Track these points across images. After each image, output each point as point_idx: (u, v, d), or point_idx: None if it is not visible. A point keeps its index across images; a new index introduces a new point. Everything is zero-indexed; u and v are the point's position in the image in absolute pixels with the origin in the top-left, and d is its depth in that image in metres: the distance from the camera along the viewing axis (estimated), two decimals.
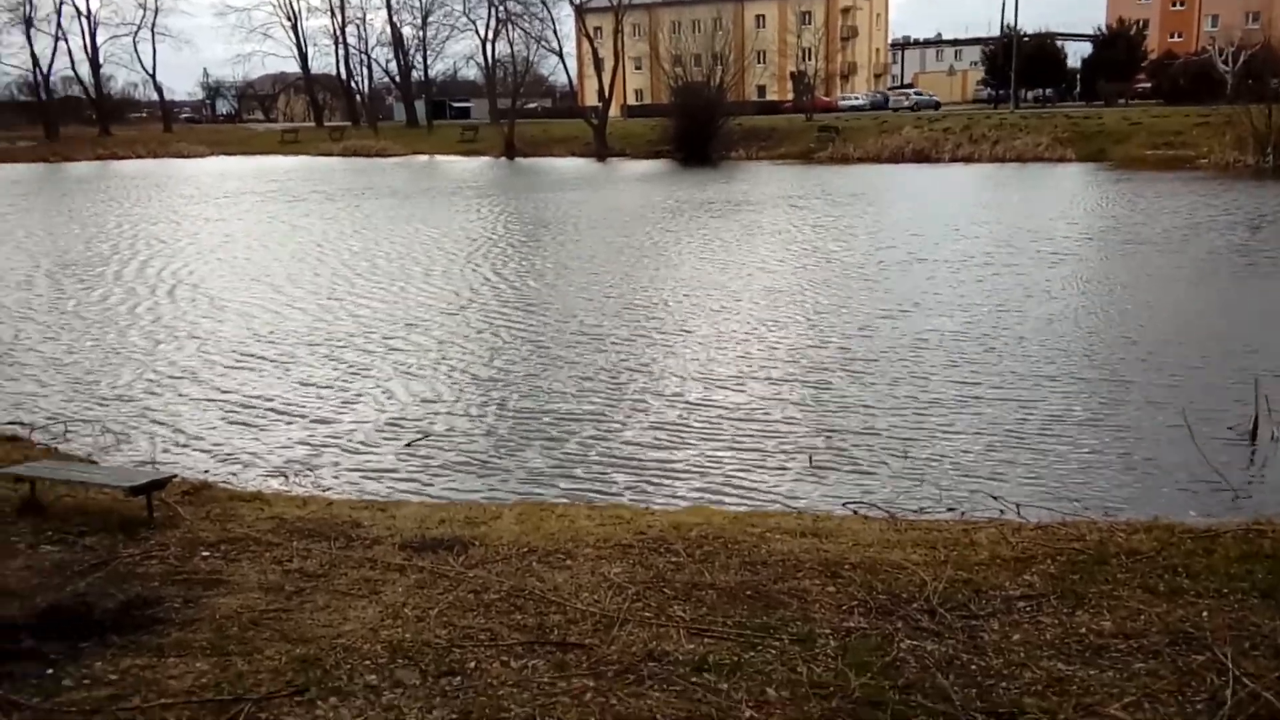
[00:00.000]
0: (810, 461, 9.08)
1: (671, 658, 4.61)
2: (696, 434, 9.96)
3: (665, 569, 5.77)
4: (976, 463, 8.99)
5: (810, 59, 76.52)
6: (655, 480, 8.78)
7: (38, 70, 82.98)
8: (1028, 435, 9.69)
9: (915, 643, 4.74)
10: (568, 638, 4.84)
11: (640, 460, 9.27)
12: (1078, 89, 74.24)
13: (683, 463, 9.18)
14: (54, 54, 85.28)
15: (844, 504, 7.96)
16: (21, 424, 10.41)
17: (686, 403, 10.99)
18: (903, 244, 22.46)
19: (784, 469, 8.98)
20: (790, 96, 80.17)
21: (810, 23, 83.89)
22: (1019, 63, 66.22)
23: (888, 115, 63.34)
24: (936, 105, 73.13)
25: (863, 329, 14.27)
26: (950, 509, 7.83)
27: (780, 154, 54.33)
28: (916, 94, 78.23)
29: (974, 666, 4.50)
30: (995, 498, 8.03)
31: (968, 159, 48.06)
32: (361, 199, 37.48)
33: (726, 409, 10.75)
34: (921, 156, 49.30)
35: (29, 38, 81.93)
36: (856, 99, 77.45)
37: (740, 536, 6.34)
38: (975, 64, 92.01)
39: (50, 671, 4.48)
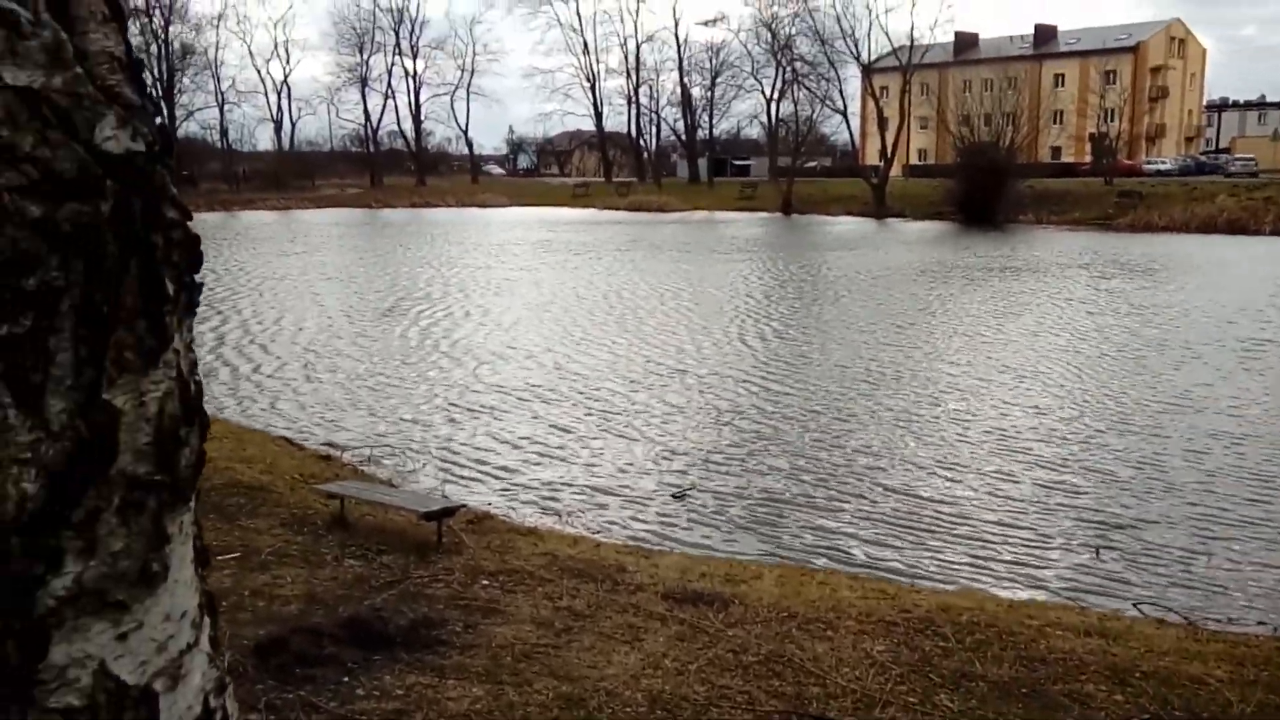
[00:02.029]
0: (1097, 554, 8.42)
1: None
2: (969, 510, 9.50)
3: (932, 653, 5.52)
4: None
5: (1113, 120, 72.16)
6: (921, 556, 8.44)
7: (368, 125, 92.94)
8: None
9: None
10: (827, 712, 4.72)
11: (906, 534, 8.94)
12: None
13: (952, 540, 8.78)
14: (383, 111, 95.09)
15: (1134, 604, 7.31)
16: (334, 445, 11.51)
17: (959, 477, 10.52)
18: (1205, 325, 20.57)
19: (1066, 559, 8.38)
20: (1088, 159, 75.80)
21: (1115, 82, 79.10)
22: None
23: (1200, 181, 58.41)
24: (1254, 173, 66.73)
25: (1159, 414, 13.13)
26: (1261, 623, 7.01)
27: (1073, 219, 51.39)
28: (1239, 160, 71.67)
29: None
30: None
31: None
32: (638, 251, 38.88)
33: (1003, 487, 10.19)
34: (1236, 227, 45.02)
35: (363, 96, 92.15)
36: (1163, 163, 72.01)
37: (1016, 627, 5.97)
38: None
39: (346, 679, 4.88)
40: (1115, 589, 7.72)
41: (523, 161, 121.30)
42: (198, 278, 1.29)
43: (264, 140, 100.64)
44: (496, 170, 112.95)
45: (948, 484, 10.27)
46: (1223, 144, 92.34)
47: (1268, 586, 7.73)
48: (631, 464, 11.00)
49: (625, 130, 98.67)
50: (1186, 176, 64.22)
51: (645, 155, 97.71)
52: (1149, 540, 8.71)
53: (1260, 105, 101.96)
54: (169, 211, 1.24)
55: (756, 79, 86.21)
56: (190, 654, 1.17)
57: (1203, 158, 76.09)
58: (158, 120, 1.27)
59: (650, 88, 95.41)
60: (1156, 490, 10.04)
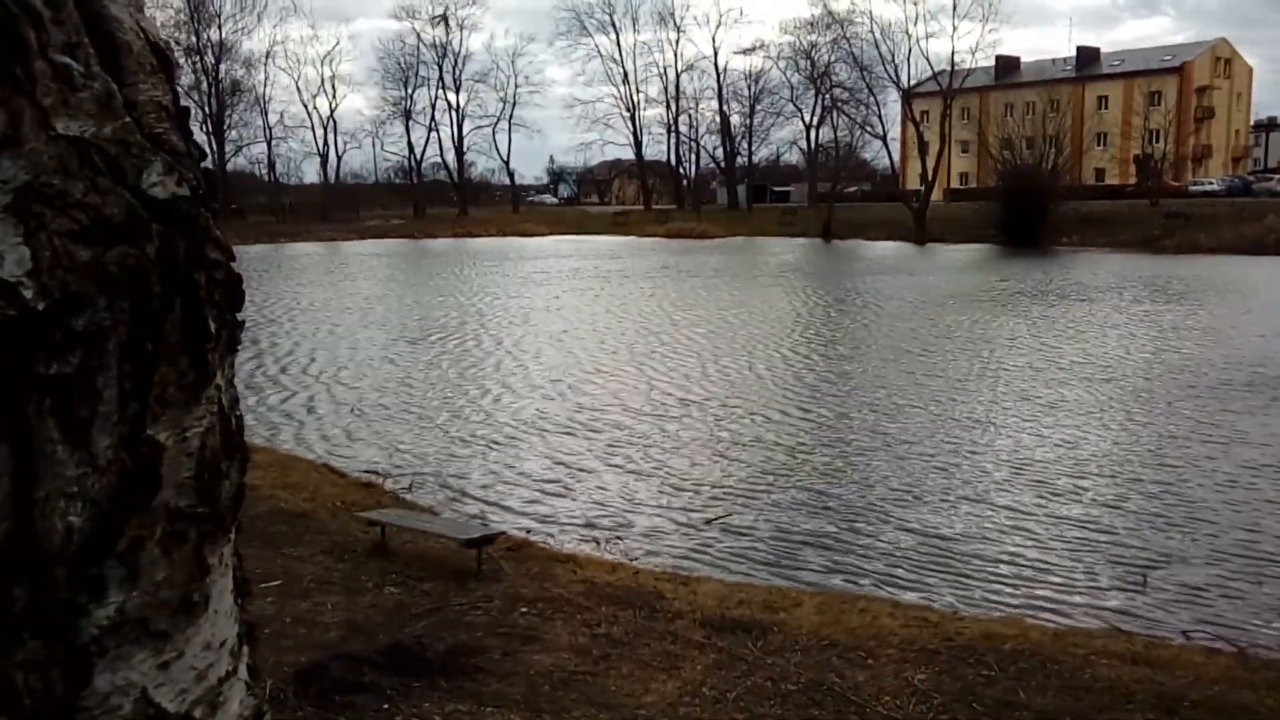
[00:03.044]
0: (1144, 581, 8.27)
1: None
2: (1011, 536, 9.38)
3: (975, 682, 5.45)
4: None
5: (1158, 141, 71.36)
6: (964, 583, 8.33)
7: (412, 157, 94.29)
8: None
9: None
10: None
11: (947, 559, 8.84)
12: None
13: (995, 567, 8.66)
14: (426, 143, 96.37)
15: (1182, 632, 7.17)
16: (377, 472, 11.63)
17: (1000, 502, 10.39)
18: (1249, 352, 20.20)
19: (1112, 586, 8.23)
20: (1133, 180, 74.93)
21: (1160, 103, 78.24)
22: None
23: (1247, 202, 57.47)
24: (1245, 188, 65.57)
25: (1203, 443, 12.90)
26: None
27: (1119, 242, 50.77)
28: (1274, 176, 70.59)
29: None
30: None
31: None
32: (678, 278, 38.95)
33: (1047, 513, 10.05)
34: None
35: (407, 129, 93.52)
36: (1210, 184, 70.99)
37: (1060, 656, 5.88)
38: None
39: (386, 706, 4.92)
40: (1162, 618, 7.57)
41: (563, 190, 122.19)
42: (239, 315, 1.34)
43: (310, 173, 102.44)
44: (550, 200, 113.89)
45: (986, 513, 10.15)
46: (1271, 163, 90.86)
47: None
48: (669, 491, 10.99)
49: (664, 158, 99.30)
50: (1234, 197, 63.19)
51: (685, 183, 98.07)
52: (1196, 569, 8.54)
53: None
54: (212, 252, 1.29)
55: (795, 105, 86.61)
56: (229, 682, 1.20)
57: (1249, 177, 74.80)
58: (202, 164, 1.33)
59: (689, 116, 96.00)
60: (1209, 518, 9.85)
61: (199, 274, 1.22)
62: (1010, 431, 13.39)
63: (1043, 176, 56.08)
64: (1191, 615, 7.59)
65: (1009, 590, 8.15)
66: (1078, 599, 7.97)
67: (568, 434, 13.70)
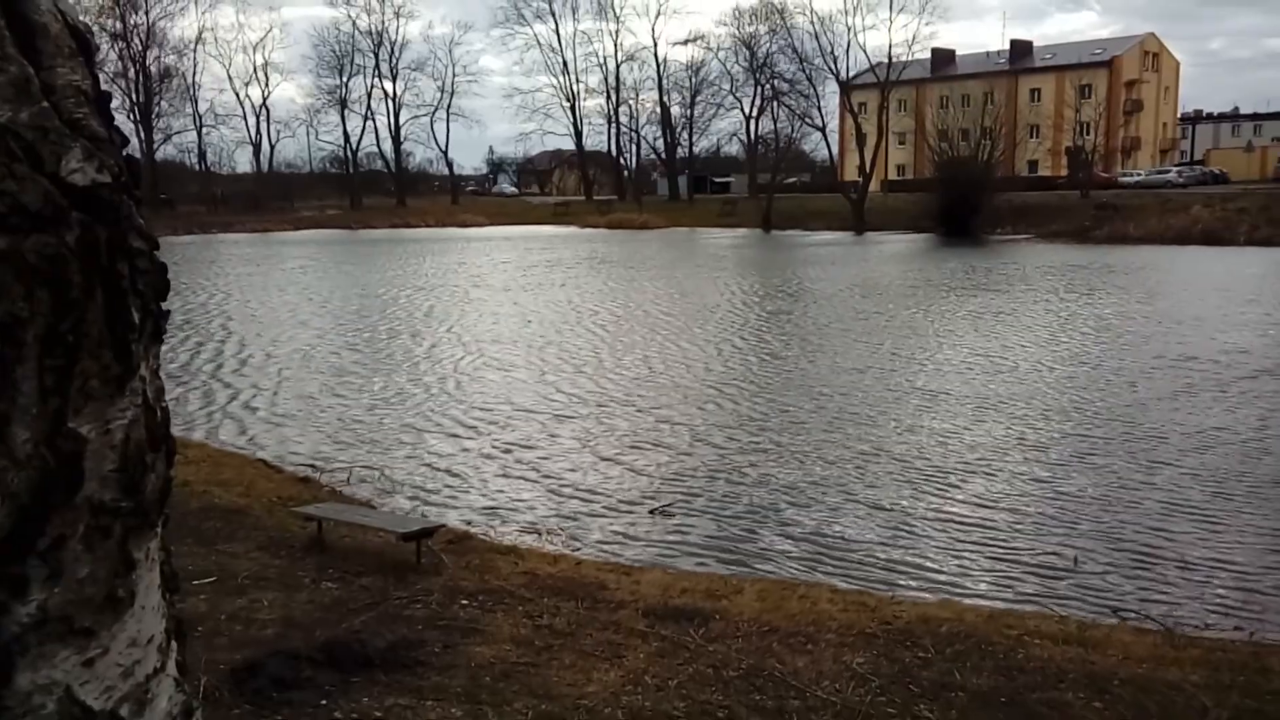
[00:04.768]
0: (1075, 562, 8.48)
1: None
2: (947, 521, 9.55)
3: (912, 664, 5.55)
4: (1271, 576, 8.09)
5: (1089, 134, 72.93)
6: (901, 568, 8.47)
7: (347, 146, 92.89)
8: None
9: None
10: None
11: (885, 546, 8.97)
12: None
13: (931, 551, 8.81)
14: (362, 132, 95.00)
15: (1113, 612, 7.37)
16: (314, 466, 11.47)
17: (936, 487, 10.58)
18: (1183, 337, 20.80)
19: (1044, 568, 8.42)
20: (1065, 172, 76.55)
21: (1090, 96, 80.00)
22: None
23: (1173, 194, 59.03)
24: (1215, 178, 67.62)
25: (1137, 419, 13.25)
26: (1238, 628, 7.07)
27: (1051, 232, 51.87)
28: (1182, 168, 73.02)
29: None
30: None
31: (1267, 242, 43.88)
32: (618, 269, 38.97)
33: (980, 497, 10.25)
34: (1212, 238, 45.53)
35: (343, 118, 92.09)
36: (1139, 175, 72.84)
37: (995, 637, 6.01)
38: (1277, 139, 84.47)
39: (324, 702, 4.87)
40: (1093, 596, 7.77)
41: (503, 181, 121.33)
42: (164, 306, 1.31)
43: (243, 163, 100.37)
44: (509, 189, 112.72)
45: (922, 497, 10.32)
46: (1197, 156, 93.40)
47: (1244, 594, 7.79)
48: (612, 480, 11.01)
49: (605, 149, 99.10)
50: (1158, 189, 64.81)
51: (625, 174, 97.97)
52: (1124, 548, 8.78)
53: (1234, 117, 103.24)
54: (135, 241, 1.26)
55: (736, 97, 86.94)
56: (157, 679, 1.18)
57: (1173, 170, 76.85)
58: (125, 151, 1.30)
59: (630, 107, 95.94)
60: (1132, 500, 10.13)
61: (122, 263, 1.19)
62: (956, 417, 13.62)
63: (978, 168, 57.02)
64: (1121, 595, 7.79)
65: (948, 569, 8.30)
66: (1013, 581, 8.14)
67: (508, 427, 13.64)
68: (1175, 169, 75.27)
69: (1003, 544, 8.96)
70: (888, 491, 10.49)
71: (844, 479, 10.96)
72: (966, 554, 8.74)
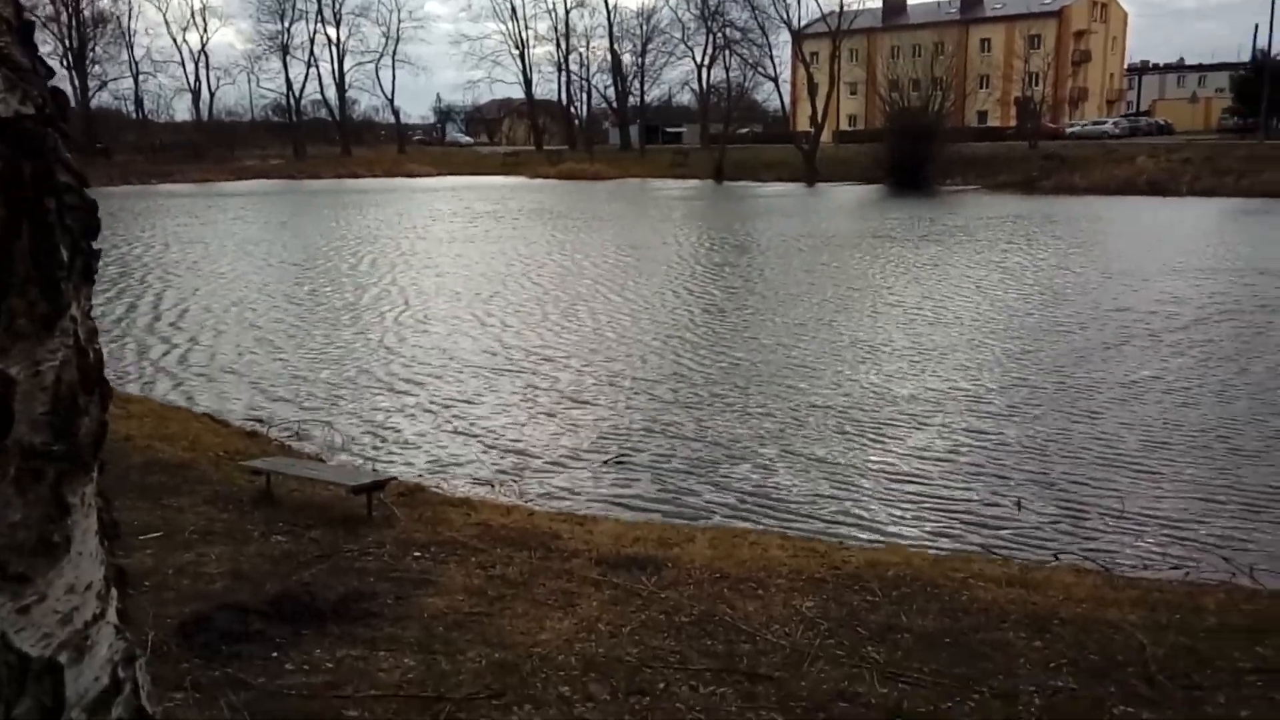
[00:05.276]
0: (1018, 506, 8.68)
1: (864, 700, 4.51)
2: (895, 469, 9.71)
3: (859, 607, 5.66)
4: (1205, 520, 8.34)
5: (1037, 84, 73.41)
6: (851, 515, 8.61)
7: (290, 94, 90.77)
8: (1266, 494, 8.90)
9: (1130, 709, 4.44)
10: (757, 669, 4.82)
11: (835, 493, 9.11)
12: None
13: (880, 498, 8.97)
14: (305, 80, 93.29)
15: (1055, 555, 7.56)
16: (261, 420, 11.33)
17: (885, 436, 10.73)
18: (1120, 288, 21.19)
19: (989, 512, 8.61)
20: (1014, 123, 77.10)
21: (1039, 47, 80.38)
22: (1272, 90, 61.18)
23: (1118, 144, 59.80)
24: (1159, 128, 68.66)
25: (1073, 369, 13.52)
26: (1174, 568, 7.30)
27: (1000, 183, 52.34)
28: (1120, 120, 74.20)
29: None
30: (1226, 559, 7.42)
31: (1209, 192, 44.70)
32: (566, 220, 38.71)
33: (927, 445, 10.43)
34: (1156, 189, 46.26)
35: (285, 65, 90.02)
36: (1083, 125, 73.63)
37: (940, 580, 6.13)
38: (1221, 91, 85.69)
39: (275, 655, 4.84)
40: (1035, 542, 7.96)
41: (451, 130, 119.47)
42: (95, 245, 1.26)
43: (182, 111, 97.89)
44: (464, 139, 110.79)
45: (864, 448, 10.47)
46: (1144, 106, 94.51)
47: (1179, 535, 8.03)
48: (563, 432, 11.02)
49: (556, 98, 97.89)
50: (1104, 139, 65.60)
51: (576, 123, 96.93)
52: (1065, 494, 8.99)
53: (1179, 68, 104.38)
54: (63, 176, 1.22)
55: (687, 45, 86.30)
56: (96, 626, 1.16)
57: (1109, 121, 77.76)
58: (50, 83, 1.24)
59: (580, 55, 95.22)
60: (1070, 448, 10.35)
61: (48, 198, 1.15)
62: (900, 366, 13.78)
63: (928, 119, 57.21)
64: (1061, 540, 7.99)
65: (896, 516, 8.45)
66: (957, 527, 8.31)
67: (457, 379, 13.57)
68: (1112, 120, 76.14)
69: (945, 493, 9.13)
70: (831, 444, 10.62)
71: (786, 431, 11.07)
72: (909, 503, 8.90)
